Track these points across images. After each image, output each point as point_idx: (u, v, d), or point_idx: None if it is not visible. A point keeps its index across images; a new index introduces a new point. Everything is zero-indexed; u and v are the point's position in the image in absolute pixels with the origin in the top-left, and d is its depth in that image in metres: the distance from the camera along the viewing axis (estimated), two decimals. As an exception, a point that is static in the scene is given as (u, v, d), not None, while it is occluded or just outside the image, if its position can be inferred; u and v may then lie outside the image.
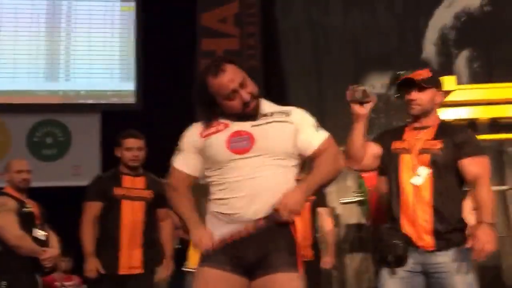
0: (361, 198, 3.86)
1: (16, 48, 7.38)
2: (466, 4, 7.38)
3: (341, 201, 4.26)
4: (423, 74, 2.84)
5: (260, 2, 7.51)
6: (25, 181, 4.13)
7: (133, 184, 3.91)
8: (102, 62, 7.51)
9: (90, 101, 7.40)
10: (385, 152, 2.88)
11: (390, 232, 2.69)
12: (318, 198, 4.45)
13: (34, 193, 4.28)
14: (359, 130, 2.84)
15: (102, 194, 3.86)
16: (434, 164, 2.72)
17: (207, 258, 2.24)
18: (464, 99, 5.74)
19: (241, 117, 2.30)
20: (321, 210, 4.51)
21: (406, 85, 2.86)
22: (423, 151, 2.76)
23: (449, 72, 6.60)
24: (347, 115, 7.51)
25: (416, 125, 2.86)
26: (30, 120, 7.31)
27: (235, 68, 2.28)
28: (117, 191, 3.86)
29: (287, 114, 2.36)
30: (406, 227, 2.68)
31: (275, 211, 2.14)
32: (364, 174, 3.64)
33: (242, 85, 2.26)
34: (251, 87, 2.28)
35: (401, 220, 2.71)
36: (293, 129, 2.32)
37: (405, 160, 2.79)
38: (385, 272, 2.69)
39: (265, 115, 2.32)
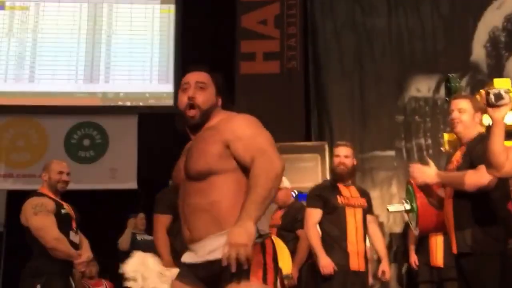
0: (409, 206, 3.65)
1: (57, 49, 7.42)
2: (517, 5, 7.11)
3: (389, 209, 4.06)
4: None
5: (301, 3, 7.37)
6: (64, 183, 4.07)
7: None
8: (141, 64, 7.49)
9: (128, 103, 7.36)
10: None
11: None
12: (368, 206, 4.28)
13: (70, 196, 4.21)
14: (497, 135, 2.67)
15: (173, 207, 3.85)
16: None
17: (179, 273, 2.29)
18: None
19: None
20: (369, 217, 4.31)
21: None
22: None
23: (499, 75, 6.35)
24: (389, 118, 7.37)
25: None
26: (68, 122, 7.32)
27: (207, 77, 2.29)
28: None
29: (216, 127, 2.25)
30: None
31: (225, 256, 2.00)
32: (413, 181, 3.46)
33: (198, 86, 2.25)
34: (206, 98, 2.24)
35: None
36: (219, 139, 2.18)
37: None
38: None
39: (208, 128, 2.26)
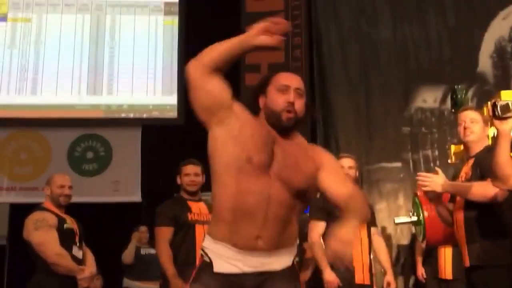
0: (416, 218, 3.67)
1: (59, 61, 7.45)
2: (524, 15, 7.14)
3: (396, 221, 4.08)
4: None
5: (307, 13, 7.40)
6: (66, 197, 4.10)
7: (199, 209, 4.11)
8: (144, 76, 7.52)
9: (132, 115, 7.39)
10: None
11: None
12: (371, 218, 4.29)
13: (73, 209, 4.23)
14: (503, 147, 2.72)
15: (174, 220, 4.03)
16: None
17: (198, 278, 2.20)
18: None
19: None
20: (372, 229, 4.33)
21: None
22: None
23: (506, 86, 6.37)
24: (396, 130, 7.36)
25: None
26: (71, 134, 7.35)
27: (303, 84, 2.31)
28: (190, 216, 4.05)
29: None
30: None
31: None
32: (420, 193, 3.47)
33: (297, 92, 2.25)
34: (302, 106, 2.26)
35: None
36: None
37: None
38: None
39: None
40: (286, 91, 2.23)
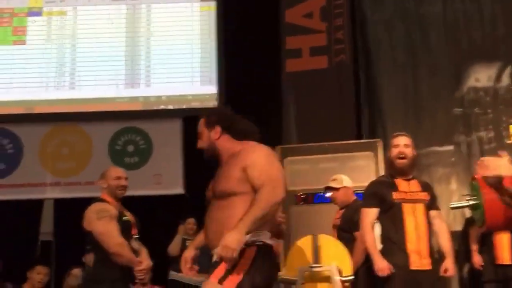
0: (474, 202, 3.60)
1: (96, 55, 7.58)
2: None
3: (451, 206, 3.99)
4: None
5: (348, -8, 7.33)
6: (123, 188, 4.19)
7: None
8: (182, 65, 7.59)
9: (170, 107, 7.46)
10: None
11: None
12: (431, 200, 4.20)
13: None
14: None
15: None
16: None
17: None
18: None
19: None
20: (433, 213, 4.23)
21: None
22: None
23: None
24: (447, 111, 7.21)
25: None
26: (111, 128, 7.48)
27: (201, 125, 3.02)
28: None
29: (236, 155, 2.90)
30: None
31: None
32: (478, 176, 3.39)
33: (201, 133, 3.02)
34: (201, 143, 3.01)
35: None
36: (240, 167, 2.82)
37: None
38: None
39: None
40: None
